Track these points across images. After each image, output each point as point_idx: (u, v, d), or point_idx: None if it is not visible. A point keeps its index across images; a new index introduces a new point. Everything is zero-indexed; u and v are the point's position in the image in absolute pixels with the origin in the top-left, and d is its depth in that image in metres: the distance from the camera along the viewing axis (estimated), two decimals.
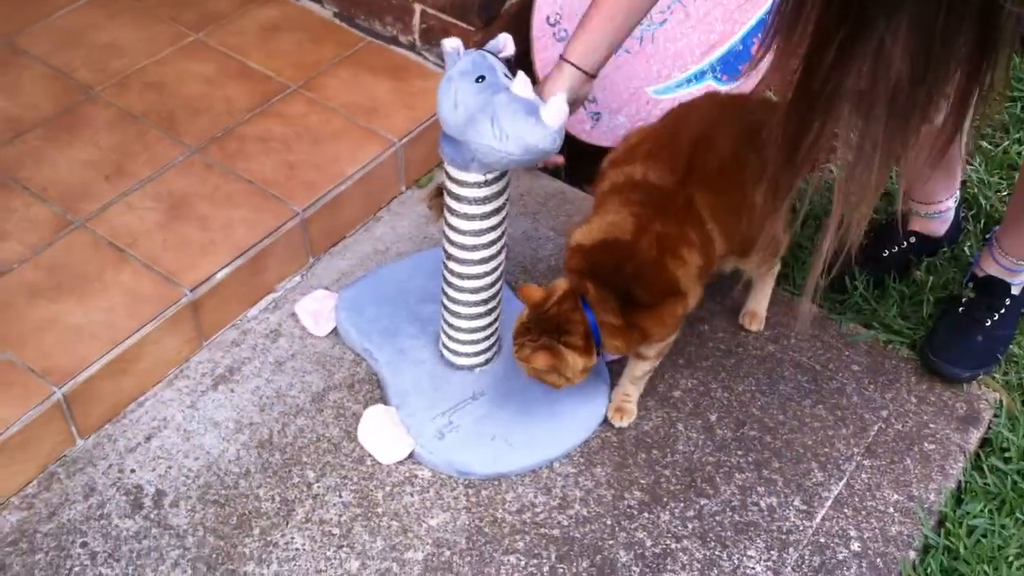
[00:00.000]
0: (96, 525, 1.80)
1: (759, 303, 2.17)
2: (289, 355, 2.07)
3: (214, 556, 1.77)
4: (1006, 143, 2.65)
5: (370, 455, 1.92)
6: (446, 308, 1.95)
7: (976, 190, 2.50)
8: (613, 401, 2.01)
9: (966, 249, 2.39)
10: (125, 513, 1.82)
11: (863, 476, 1.96)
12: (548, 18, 2.41)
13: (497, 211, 1.81)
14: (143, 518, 1.81)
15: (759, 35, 2.86)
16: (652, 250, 1.79)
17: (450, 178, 1.77)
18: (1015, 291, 2.20)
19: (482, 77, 1.67)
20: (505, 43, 1.74)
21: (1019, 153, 2.62)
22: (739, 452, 1.98)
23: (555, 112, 1.64)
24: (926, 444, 2.02)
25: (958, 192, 2.33)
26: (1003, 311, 2.18)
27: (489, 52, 1.72)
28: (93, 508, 1.82)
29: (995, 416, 2.09)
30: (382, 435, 1.93)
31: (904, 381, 2.13)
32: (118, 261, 2.04)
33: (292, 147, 2.31)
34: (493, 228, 1.82)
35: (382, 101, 2.43)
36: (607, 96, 2.55)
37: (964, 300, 2.20)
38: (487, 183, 1.75)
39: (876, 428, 2.04)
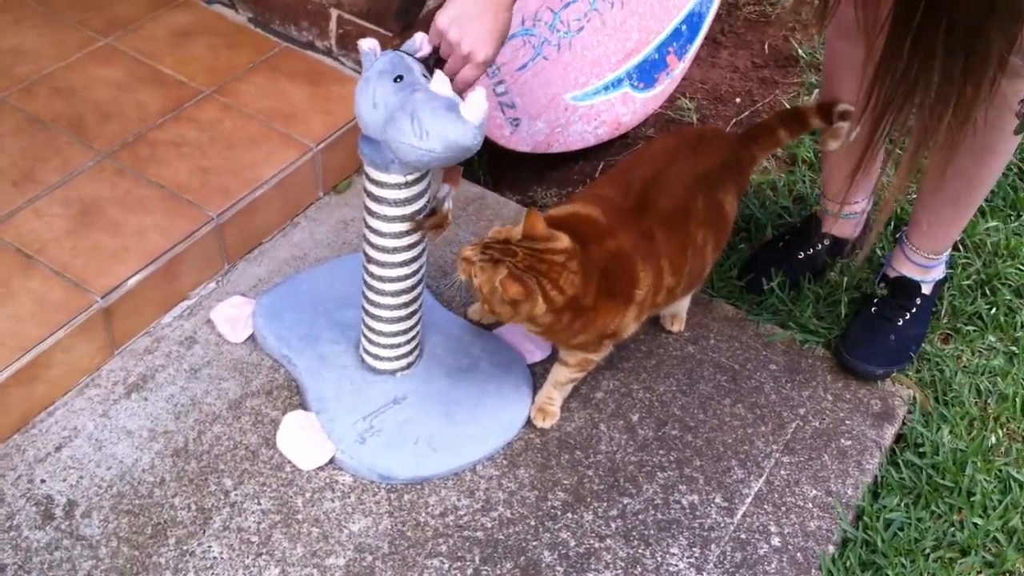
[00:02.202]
0: (5, 537, 1.74)
1: (680, 306, 2.18)
2: (204, 362, 2.03)
3: (128, 567, 1.72)
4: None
5: (289, 461, 1.89)
6: (367, 312, 1.93)
7: (887, 192, 2.54)
8: (536, 403, 2.01)
9: (877, 250, 2.43)
10: (35, 524, 1.76)
11: (782, 473, 1.98)
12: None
13: (417, 213, 1.79)
14: (54, 529, 1.76)
15: (674, 43, 2.91)
16: (627, 244, 1.79)
17: (370, 179, 1.75)
18: (925, 290, 2.24)
19: (400, 77, 1.66)
20: (421, 43, 1.73)
21: (925, 157, 2.67)
22: (661, 451, 1.99)
23: (476, 107, 1.63)
24: (843, 440, 2.05)
25: (872, 196, 2.37)
26: (914, 310, 2.23)
27: (405, 52, 1.71)
28: (1, 519, 1.76)
29: (909, 412, 2.13)
30: (302, 441, 1.90)
31: (820, 379, 2.16)
32: (26, 267, 1.99)
33: (206, 152, 2.27)
34: (413, 231, 1.81)
35: (299, 107, 2.40)
36: (526, 102, 2.55)
37: (876, 300, 2.24)
38: (407, 184, 1.74)
39: (794, 426, 2.06)
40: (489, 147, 2.58)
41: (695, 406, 2.08)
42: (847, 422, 2.08)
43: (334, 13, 2.49)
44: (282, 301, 2.12)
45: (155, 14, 2.61)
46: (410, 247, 1.82)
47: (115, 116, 2.32)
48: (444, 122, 1.63)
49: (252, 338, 2.08)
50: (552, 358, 2.04)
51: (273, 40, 2.58)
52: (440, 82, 1.66)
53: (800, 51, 3.10)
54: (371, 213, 1.79)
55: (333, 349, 2.04)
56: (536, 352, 2.12)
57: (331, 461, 1.89)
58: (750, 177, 2.27)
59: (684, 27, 2.97)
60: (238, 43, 2.55)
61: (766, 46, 3.17)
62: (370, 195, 1.77)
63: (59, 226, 2.07)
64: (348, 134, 2.37)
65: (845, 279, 2.33)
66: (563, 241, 1.76)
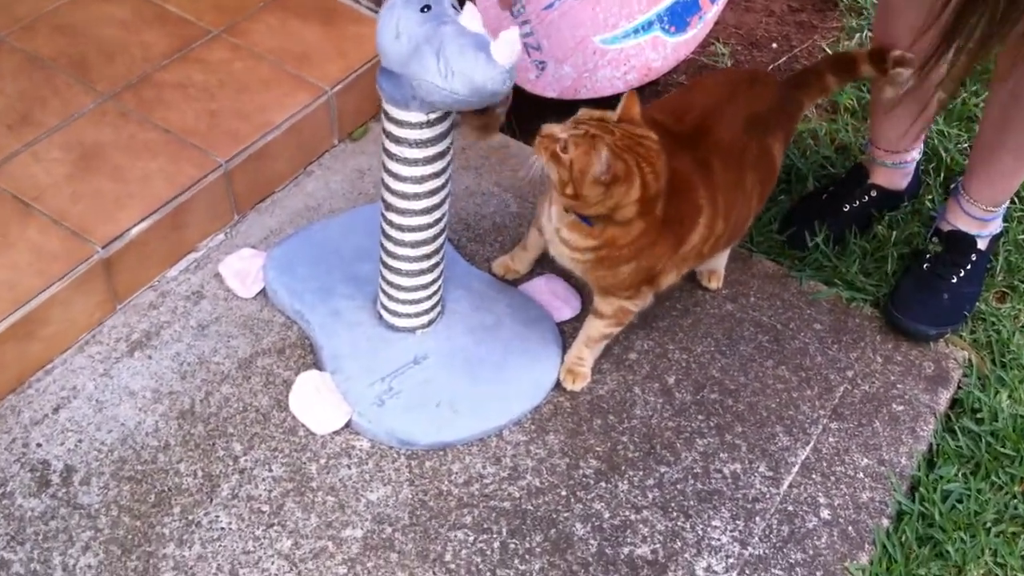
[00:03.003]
0: None
1: (719, 261, 2.04)
2: (213, 318, 1.90)
3: (129, 537, 1.60)
4: (963, 95, 2.55)
5: (303, 425, 1.76)
6: (385, 265, 1.79)
7: (936, 142, 2.39)
8: (565, 363, 1.87)
9: (927, 203, 2.28)
10: (30, 492, 1.64)
11: (830, 440, 1.85)
12: None
13: (440, 155, 1.65)
14: (50, 497, 1.64)
15: None
16: (687, 168, 1.69)
17: (389, 118, 1.61)
18: (981, 245, 2.10)
19: (427, 7, 1.52)
20: None
21: (976, 105, 2.52)
22: (699, 416, 1.86)
23: (507, 49, 1.48)
24: (894, 405, 1.92)
25: (922, 144, 2.22)
26: (969, 267, 2.08)
27: None
28: None
29: (964, 376, 1.99)
30: (316, 403, 1.77)
31: (869, 340, 2.02)
32: (23, 216, 1.86)
33: (215, 95, 2.13)
34: (436, 175, 1.67)
35: (312, 47, 2.26)
36: (552, 45, 2.40)
37: (928, 256, 2.09)
38: (429, 123, 1.60)
39: (842, 389, 1.93)
40: (514, 92, 2.42)
41: (735, 368, 1.94)
42: (898, 386, 1.95)
43: None
44: (295, 253, 1.99)
45: None
46: (431, 193, 1.68)
47: (119, 56, 2.18)
48: (472, 62, 1.49)
49: (263, 293, 1.95)
50: (582, 317, 1.90)
51: None
52: (471, 16, 1.52)
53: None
54: (390, 155, 1.65)
55: (348, 305, 1.91)
56: (565, 309, 1.99)
57: (347, 425, 1.76)
58: (796, 125, 2.12)
59: None
60: None
61: None
62: (389, 135, 1.63)
63: (58, 171, 1.94)
64: (364, 77, 2.23)
65: (894, 233, 2.18)
66: (654, 133, 1.64)
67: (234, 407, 1.78)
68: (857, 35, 2.78)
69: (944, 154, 2.38)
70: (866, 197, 2.22)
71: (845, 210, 2.21)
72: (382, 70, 1.58)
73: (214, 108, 2.10)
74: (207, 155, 2.01)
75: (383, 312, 1.88)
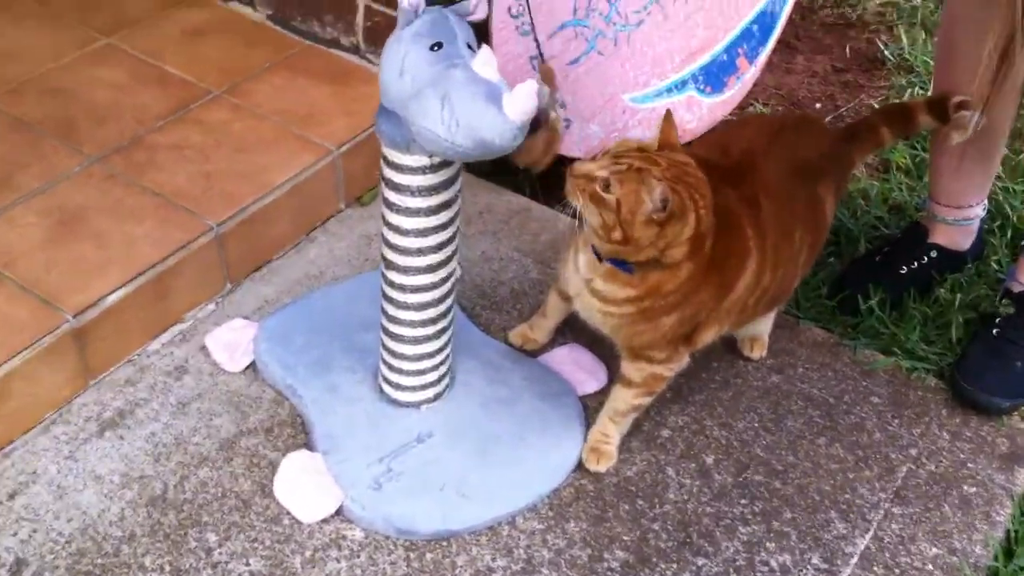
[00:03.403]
0: None
1: (762, 326, 1.82)
2: (195, 395, 1.72)
3: None
4: None
5: (288, 512, 1.56)
6: (386, 331, 1.60)
7: (1001, 199, 2.18)
8: (589, 442, 1.66)
9: (993, 264, 2.05)
10: None
11: (893, 527, 1.61)
12: (510, 9, 2.09)
13: (446, 205, 1.47)
14: None
15: (744, 44, 2.57)
16: (733, 204, 1.50)
17: (388, 163, 1.44)
18: None
19: (439, 44, 1.35)
20: (478, 3, 1.41)
21: None
22: (742, 501, 1.63)
23: (521, 103, 1.31)
24: (965, 487, 1.67)
25: (986, 201, 2.00)
26: None
27: (456, 13, 1.39)
28: None
29: None
30: (304, 487, 1.57)
31: (934, 414, 1.78)
32: None
33: (210, 156, 1.97)
34: (442, 227, 1.49)
35: (319, 107, 2.10)
36: (578, 101, 2.22)
37: (999, 320, 1.86)
38: (433, 168, 1.42)
39: (905, 469, 1.69)
40: None
41: (783, 446, 1.71)
42: (969, 465, 1.71)
43: (361, 3, 2.19)
44: (291, 323, 1.80)
45: (165, 13, 2.34)
46: (437, 248, 1.49)
47: (111, 119, 2.04)
48: (481, 114, 1.31)
49: (253, 367, 1.76)
50: (608, 390, 1.69)
51: (293, 39, 2.29)
52: (486, 61, 1.34)
53: (887, 52, 2.74)
54: (390, 205, 1.47)
55: (348, 378, 1.71)
56: (590, 382, 1.78)
57: (338, 511, 1.56)
58: (848, 181, 1.92)
59: (755, 27, 2.63)
60: (254, 42, 2.27)
61: (847, 49, 2.83)
62: (388, 183, 1.45)
63: (34, 236, 1.79)
64: (375, 137, 2.05)
65: (958, 296, 1.95)
66: (693, 160, 1.46)
67: (211, 493, 1.58)
68: (907, 91, 2.58)
69: (1011, 212, 2.16)
70: (925, 258, 2.00)
71: (902, 272, 1.99)
72: (381, 109, 1.41)
73: (209, 170, 1.94)
74: (198, 218, 1.84)
75: (384, 385, 1.68)
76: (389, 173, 1.44)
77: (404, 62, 1.35)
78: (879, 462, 1.71)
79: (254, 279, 1.93)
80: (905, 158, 2.35)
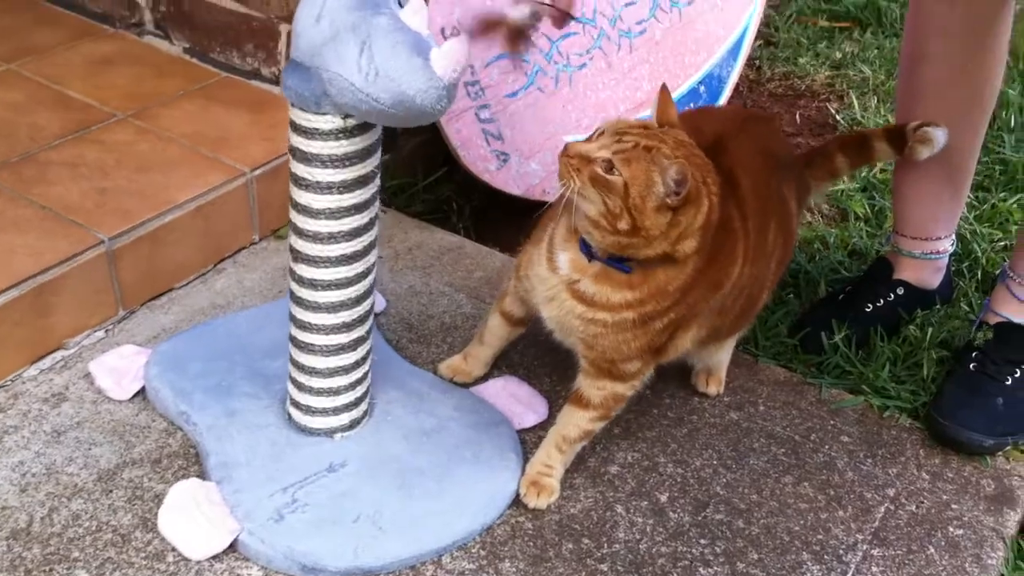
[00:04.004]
0: None
1: (719, 356, 1.64)
2: (73, 423, 1.48)
3: None
4: (992, 200, 2.22)
5: (174, 548, 1.31)
6: (295, 342, 1.40)
7: (969, 238, 2.04)
8: (528, 474, 1.44)
9: (963, 306, 1.90)
10: None
11: (874, 569, 1.41)
12: (443, 30, 1.95)
13: (363, 181, 1.29)
14: None
15: (691, 104, 2.46)
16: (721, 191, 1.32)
17: (296, 128, 1.26)
18: None
19: None
20: None
21: (1009, 209, 2.19)
22: (702, 541, 1.41)
23: (450, 59, 1.15)
24: (951, 529, 1.48)
25: (954, 236, 1.86)
26: None
27: None
28: None
29: None
30: (193, 519, 1.33)
31: (911, 454, 1.60)
32: None
33: (108, 174, 1.78)
34: (358, 208, 1.30)
35: (234, 132, 1.93)
36: (516, 136, 2.07)
37: (975, 354, 1.70)
38: (347, 133, 1.24)
39: (883, 510, 1.50)
40: (474, 187, 2.09)
41: (745, 484, 1.51)
42: (953, 506, 1.52)
43: (284, 30, 2.04)
44: (188, 348, 1.58)
45: (73, 43, 2.16)
46: (352, 234, 1.30)
47: (2, 137, 1.85)
48: (404, 65, 1.15)
49: (143, 396, 1.53)
50: (547, 425, 1.49)
51: (211, 70, 2.13)
52: (415, 10, 1.18)
53: (839, 117, 2.64)
54: (298, 182, 1.28)
55: (250, 404, 1.49)
56: (528, 415, 1.58)
57: (232, 547, 1.32)
58: (806, 203, 1.78)
59: (703, 88, 2.53)
60: (168, 72, 2.10)
61: (797, 115, 2.72)
62: (296, 153, 1.27)
63: None
64: None
65: (929, 331, 1.79)
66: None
67: (85, 526, 1.34)
68: None
69: (980, 254, 2.02)
70: (892, 295, 1.84)
71: (868, 310, 1.83)
72: (290, 65, 1.23)
73: (106, 186, 1.75)
74: (87, 231, 1.64)
75: (292, 410, 1.46)
76: (297, 141, 1.26)
77: (324, 5, 1.18)
78: (853, 502, 1.51)
79: (152, 307, 1.72)
80: (863, 207, 2.22)
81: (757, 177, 1.45)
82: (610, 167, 1.22)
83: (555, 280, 1.34)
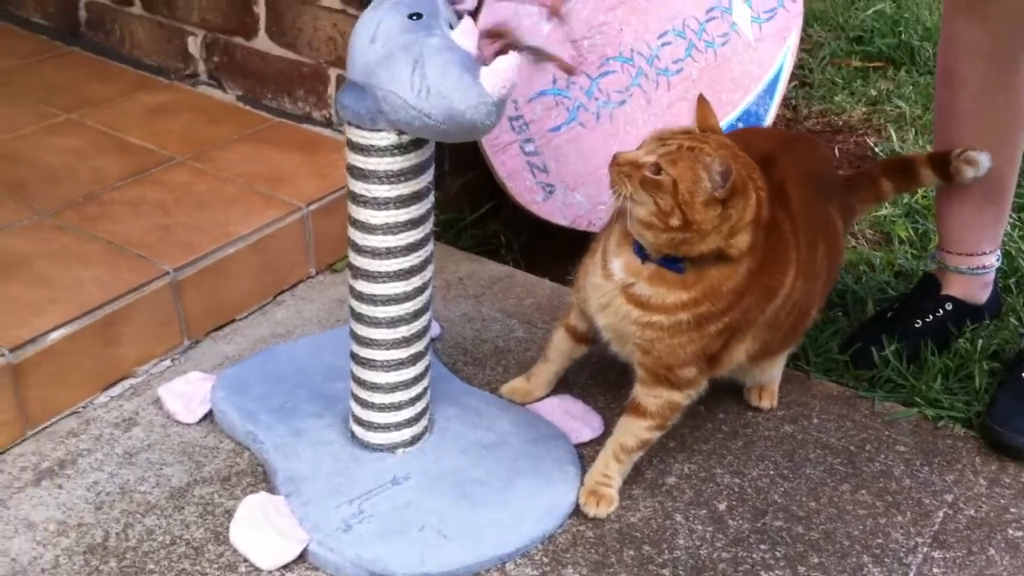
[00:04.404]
0: None
1: (771, 371, 1.66)
2: (145, 445, 1.53)
3: None
4: None
5: (246, 559, 1.35)
6: (356, 358, 1.44)
7: (1014, 254, 2.06)
8: (587, 484, 1.47)
9: (1012, 320, 1.91)
10: None
11: (935, 571, 1.42)
12: None
13: (417, 197, 1.33)
14: None
15: None
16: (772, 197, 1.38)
17: (353, 147, 1.31)
18: None
19: (419, 15, 1.24)
20: None
21: None
22: (762, 546, 1.43)
23: (500, 77, 1.21)
24: (1011, 531, 1.49)
25: (1000, 251, 1.88)
26: None
27: None
28: None
29: None
30: (264, 531, 1.37)
31: (966, 461, 1.61)
32: None
33: (169, 211, 1.84)
34: (413, 224, 1.34)
35: (288, 171, 1.99)
36: (560, 169, 2.12)
37: None
38: (402, 149, 1.29)
39: (942, 514, 1.50)
40: (521, 222, 2.14)
41: (802, 493, 1.53)
42: (1012, 510, 1.52)
43: (333, 74, 2.11)
44: (252, 373, 1.63)
45: (129, 95, 2.24)
46: (409, 249, 1.34)
47: (65, 179, 1.92)
48: (455, 83, 1.20)
49: (210, 420, 1.57)
50: (603, 441, 1.52)
51: (263, 116, 2.21)
52: (466, 32, 1.24)
53: (878, 149, 2.67)
54: (356, 199, 1.33)
55: (314, 423, 1.53)
56: (584, 430, 1.60)
57: (302, 557, 1.35)
58: (851, 225, 1.81)
59: (740, 125, 2.58)
60: (222, 119, 2.18)
61: (836, 150, 2.76)
62: (353, 171, 1.31)
63: None
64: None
65: (980, 343, 1.80)
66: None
67: (159, 540, 1.38)
68: None
69: None
70: (940, 311, 1.86)
71: (917, 326, 1.85)
72: (346, 85, 1.29)
73: (167, 223, 1.81)
74: (151, 263, 1.70)
75: (355, 427, 1.50)
76: (354, 159, 1.31)
77: (378, 28, 1.24)
78: (912, 507, 1.52)
79: (215, 337, 1.77)
80: (907, 230, 2.24)
81: (806, 193, 1.49)
82: (658, 169, 1.26)
83: (610, 287, 1.38)
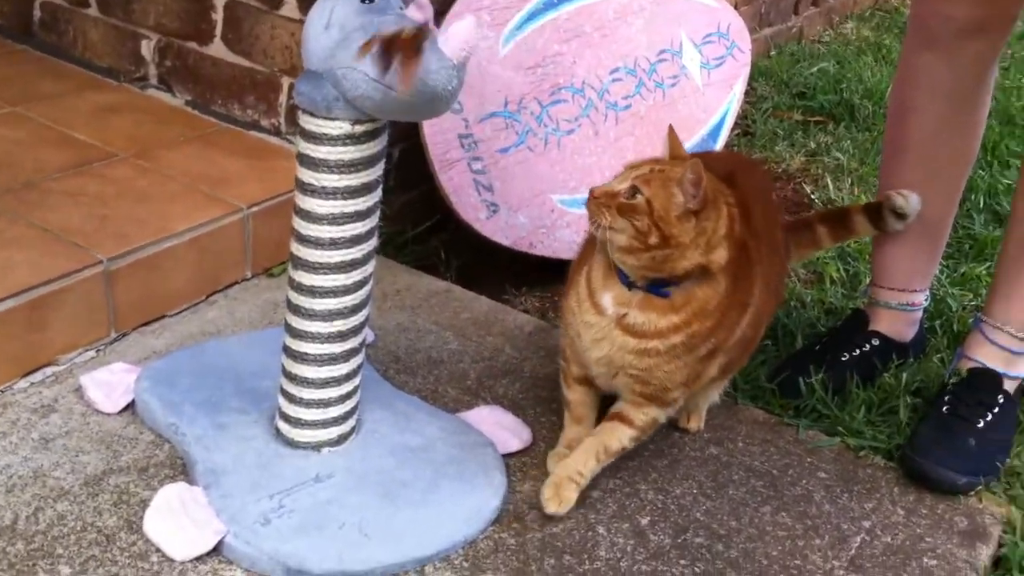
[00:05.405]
0: None
1: (705, 394, 1.67)
2: (62, 432, 1.51)
3: None
4: (963, 269, 2.29)
5: (158, 548, 1.33)
6: (288, 351, 1.43)
7: (942, 296, 2.10)
8: (557, 476, 1.48)
9: (935, 361, 1.95)
10: None
11: None
12: None
13: (366, 189, 1.34)
14: None
15: None
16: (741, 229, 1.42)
17: (305, 135, 1.31)
18: (1008, 387, 1.75)
19: (371, 0, 1.25)
20: None
21: (979, 275, 2.26)
22: (682, 561, 1.44)
23: (458, 40, 1.22)
24: (926, 559, 1.51)
25: (928, 292, 1.92)
26: (997, 410, 1.73)
27: None
28: None
29: (1004, 532, 1.59)
30: (178, 521, 1.35)
31: (885, 491, 1.63)
32: None
33: (109, 203, 1.83)
34: (360, 216, 1.35)
35: (233, 173, 1.99)
36: (506, 189, 2.14)
37: (947, 397, 1.74)
38: (355, 139, 1.29)
39: (859, 540, 1.52)
40: (462, 241, 2.15)
41: (724, 512, 1.54)
42: (927, 539, 1.55)
43: (286, 83, 2.12)
44: (179, 366, 1.62)
45: (79, 92, 2.23)
46: (353, 242, 1.35)
47: (5, 167, 1.91)
48: None
49: (131, 409, 1.55)
50: (530, 451, 1.53)
51: (211, 121, 2.20)
52: (420, 7, 1.25)
53: (814, 197, 2.73)
54: (303, 187, 1.33)
55: (239, 419, 1.52)
56: (512, 440, 1.60)
57: (217, 549, 1.33)
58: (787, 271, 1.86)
59: None
60: (169, 121, 2.17)
61: (774, 196, 2.80)
62: (304, 159, 1.32)
63: None
64: (290, 205, 1.93)
65: (904, 377, 1.83)
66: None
67: (70, 526, 1.35)
68: None
69: (952, 312, 2.08)
70: (867, 345, 1.89)
71: (844, 359, 1.88)
72: (303, 75, 1.30)
73: (105, 213, 1.79)
74: (85, 251, 1.68)
75: (281, 424, 1.49)
76: (306, 148, 1.31)
77: (332, 14, 1.25)
78: (830, 532, 1.54)
79: (143, 332, 1.75)
80: (838, 270, 2.28)
81: (764, 211, 1.53)
82: (633, 192, 1.31)
83: (604, 321, 1.42)
